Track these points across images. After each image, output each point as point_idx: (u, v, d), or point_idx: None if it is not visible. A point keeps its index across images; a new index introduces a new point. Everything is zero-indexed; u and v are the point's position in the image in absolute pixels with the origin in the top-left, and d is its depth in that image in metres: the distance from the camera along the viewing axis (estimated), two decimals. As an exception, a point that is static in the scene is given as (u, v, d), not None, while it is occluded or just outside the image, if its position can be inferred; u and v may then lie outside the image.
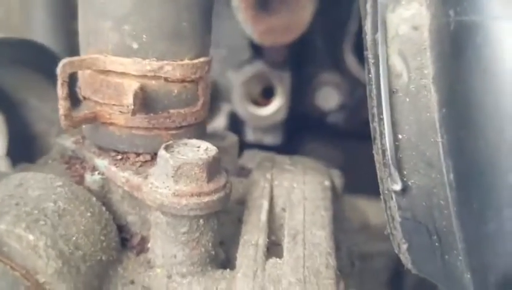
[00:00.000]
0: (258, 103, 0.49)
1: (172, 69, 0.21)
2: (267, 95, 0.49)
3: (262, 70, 0.46)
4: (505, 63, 0.17)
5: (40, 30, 0.47)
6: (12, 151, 0.32)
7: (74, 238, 0.18)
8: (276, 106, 0.47)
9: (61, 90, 0.21)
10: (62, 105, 0.21)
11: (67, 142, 0.24)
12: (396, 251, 0.20)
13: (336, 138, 0.51)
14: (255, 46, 0.44)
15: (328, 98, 0.49)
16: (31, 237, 0.17)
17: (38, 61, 0.30)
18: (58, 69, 0.22)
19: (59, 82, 0.22)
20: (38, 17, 0.47)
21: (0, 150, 0.29)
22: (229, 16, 0.43)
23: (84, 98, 0.22)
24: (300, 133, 0.53)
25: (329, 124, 0.50)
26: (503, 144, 0.17)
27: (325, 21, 0.45)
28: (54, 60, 0.30)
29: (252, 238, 0.21)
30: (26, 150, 0.32)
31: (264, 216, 0.22)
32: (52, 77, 0.32)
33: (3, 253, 0.16)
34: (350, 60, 0.41)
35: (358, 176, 0.35)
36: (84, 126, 0.22)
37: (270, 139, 0.51)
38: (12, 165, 0.30)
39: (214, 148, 0.21)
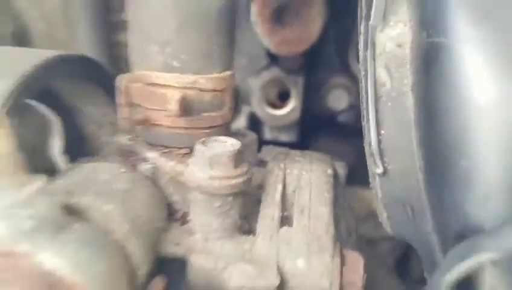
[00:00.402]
0: (274, 105, 0.54)
1: (205, 81, 0.27)
2: (283, 98, 0.54)
3: (278, 76, 0.51)
4: (462, 77, 0.22)
5: (83, 43, 0.53)
6: (68, 150, 0.38)
7: (138, 208, 0.24)
8: (290, 107, 0.52)
9: (121, 99, 0.27)
10: (123, 110, 0.27)
11: (124, 139, 0.30)
12: (380, 219, 0.25)
13: (346, 135, 0.55)
14: (271, 55, 0.49)
15: (339, 99, 0.53)
16: (109, 207, 0.23)
17: (92, 73, 0.35)
18: (117, 83, 0.28)
19: (118, 92, 0.28)
20: (82, 30, 0.53)
21: (59, 149, 0.34)
22: (249, 28, 0.49)
23: (137, 104, 0.28)
24: (313, 131, 0.58)
25: (340, 123, 0.55)
26: (459, 138, 0.22)
27: (334, 31, 0.50)
28: (104, 72, 0.36)
29: (269, 212, 0.27)
30: (77, 149, 0.38)
31: (278, 196, 0.28)
32: (102, 87, 0.38)
33: (88, 220, 0.22)
34: (355, 65, 0.47)
35: (366, 170, 0.40)
36: (137, 127, 0.28)
37: (285, 137, 0.56)
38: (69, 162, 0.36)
39: (239, 142, 0.27)
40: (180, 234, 0.26)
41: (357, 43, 0.49)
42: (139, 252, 0.24)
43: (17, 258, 0.19)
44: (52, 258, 0.20)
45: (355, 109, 0.54)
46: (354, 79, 0.53)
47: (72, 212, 0.22)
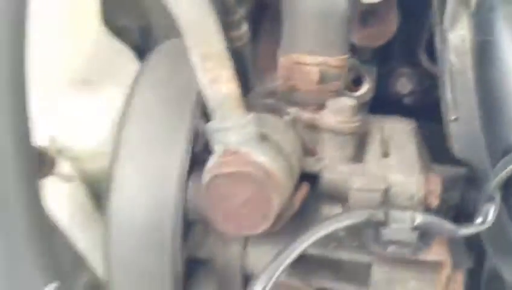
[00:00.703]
0: (349, 89, 0.67)
1: (333, 61, 0.40)
2: (357, 83, 0.68)
3: (355, 64, 0.65)
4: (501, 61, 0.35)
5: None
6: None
7: (286, 149, 0.38)
8: (364, 90, 0.66)
9: (279, 73, 0.41)
10: (279, 80, 0.41)
11: (270, 100, 0.43)
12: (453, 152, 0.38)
13: (408, 114, 0.68)
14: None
15: (404, 85, 0.67)
16: (278, 136, 0.37)
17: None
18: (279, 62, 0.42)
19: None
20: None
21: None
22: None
23: (287, 77, 0.41)
24: (379, 111, 0.72)
25: (404, 104, 0.68)
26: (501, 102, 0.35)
27: (401, 31, 0.63)
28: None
29: (373, 147, 0.40)
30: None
31: (378, 136, 0.41)
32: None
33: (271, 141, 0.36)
34: (424, 59, 0.60)
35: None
36: (283, 92, 0.42)
37: (360, 114, 0.69)
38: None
39: (355, 100, 0.40)
40: (313, 160, 0.40)
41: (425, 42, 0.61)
42: (296, 164, 0.37)
43: (240, 155, 0.33)
44: (260, 156, 0.34)
45: (417, 93, 0.67)
46: (417, 69, 0.66)
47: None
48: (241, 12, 0.63)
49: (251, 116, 0.34)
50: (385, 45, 0.61)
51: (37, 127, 0.28)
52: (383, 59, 0.65)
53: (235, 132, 0.33)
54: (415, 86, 0.67)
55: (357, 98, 0.69)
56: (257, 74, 0.61)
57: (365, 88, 0.66)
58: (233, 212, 0.35)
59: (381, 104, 0.68)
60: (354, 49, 0.62)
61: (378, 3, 0.51)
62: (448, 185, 0.39)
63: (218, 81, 0.32)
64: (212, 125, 0.34)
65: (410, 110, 0.70)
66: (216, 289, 0.43)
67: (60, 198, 0.49)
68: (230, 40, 0.65)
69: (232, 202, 0.34)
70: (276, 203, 0.34)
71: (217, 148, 0.34)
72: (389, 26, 0.55)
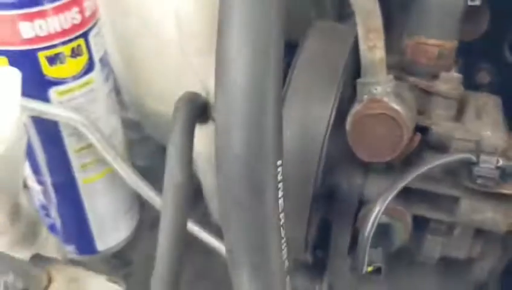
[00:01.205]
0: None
1: (449, 45, 0.53)
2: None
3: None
4: None
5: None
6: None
7: (411, 104, 0.51)
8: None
9: (407, 51, 0.54)
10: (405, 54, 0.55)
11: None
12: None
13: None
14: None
15: (484, 77, 0.79)
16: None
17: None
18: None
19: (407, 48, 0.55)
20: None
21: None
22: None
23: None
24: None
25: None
26: None
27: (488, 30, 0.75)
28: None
29: (469, 112, 0.54)
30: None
31: (473, 107, 0.54)
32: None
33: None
34: (508, 54, 0.72)
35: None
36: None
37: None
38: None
39: (460, 75, 0.53)
40: (424, 117, 0.54)
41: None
42: (415, 116, 0.51)
43: (383, 103, 0.47)
44: (396, 105, 0.48)
45: (493, 84, 0.79)
46: (495, 63, 0.78)
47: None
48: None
49: (391, 76, 0.48)
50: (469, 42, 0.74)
51: None
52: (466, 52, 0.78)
53: (381, 85, 0.47)
54: (493, 78, 0.79)
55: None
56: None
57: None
58: (371, 144, 0.49)
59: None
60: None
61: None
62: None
63: (375, 48, 0.46)
64: (363, 80, 0.48)
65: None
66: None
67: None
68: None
69: (371, 137, 0.48)
70: (404, 138, 0.48)
71: (364, 97, 0.48)
72: (481, 25, 0.68)
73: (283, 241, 0.32)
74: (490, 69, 0.79)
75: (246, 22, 0.29)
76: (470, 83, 0.82)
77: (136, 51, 0.67)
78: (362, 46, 0.46)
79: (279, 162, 0.30)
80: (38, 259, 0.50)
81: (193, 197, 0.50)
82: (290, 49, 0.56)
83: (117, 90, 0.73)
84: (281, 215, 0.31)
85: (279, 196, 0.31)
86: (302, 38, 0.57)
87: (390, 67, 0.56)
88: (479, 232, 0.55)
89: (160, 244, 0.47)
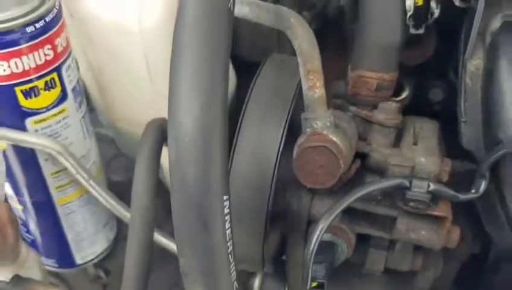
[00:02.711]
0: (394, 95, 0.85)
1: (387, 77, 0.58)
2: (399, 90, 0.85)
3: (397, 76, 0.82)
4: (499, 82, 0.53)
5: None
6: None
7: (349, 134, 0.57)
8: (404, 96, 0.84)
9: (349, 84, 0.60)
10: (348, 88, 0.60)
11: (339, 101, 0.62)
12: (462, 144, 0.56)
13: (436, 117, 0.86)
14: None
15: (436, 94, 0.84)
16: (345, 125, 0.56)
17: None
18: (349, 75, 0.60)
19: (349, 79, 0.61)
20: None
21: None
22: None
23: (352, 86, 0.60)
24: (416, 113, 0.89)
25: (435, 110, 0.85)
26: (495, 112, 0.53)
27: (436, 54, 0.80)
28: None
29: (407, 139, 0.59)
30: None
31: (411, 131, 0.59)
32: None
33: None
34: (452, 76, 0.78)
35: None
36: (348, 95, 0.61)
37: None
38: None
39: (398, 104, 0.58)
40: (364, 144, 0.59)
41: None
42: (354, 145, 0.57)
43: (322, 136, 0.53)
44: (334, 137, 0.53)
45: (445, 102, 0.85)
46: (447, 82, 0.83)
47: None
48: (312, 25, 0.82)
49: (330, 111, 0.54)
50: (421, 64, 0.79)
51: None
52: (419, 72, 0.84)
53: (320, 120, 0.53)
54: (445, 96, 0.85)
55: (399, 101, 0.88)
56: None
57: (405, 94, 0.84)
58: (312, 173, 0.54)
59: (416, 107, 0.87)
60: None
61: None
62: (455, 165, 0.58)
63: (315, 87, 0.51)
64: (306, 115, 0.53)
65: (437, 114, 0.89)
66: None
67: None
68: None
69: (312, 166, 0.54)
70: (341, 168, 0.53)
71: (307, 130, 0.54)
72: (427, 50, 0.73)
73: (232, 265, 0.36)
74: (443, 86, 0.84)
75: (192, 72, 0.34)
76: (424, 100, 0.88)
77: (108, 78, 0.72)
78: (304, 86, 0.52)
79: (225, 197, 0.34)
80: (18, 280, 0.55)
81: (166, 213, 0.55)
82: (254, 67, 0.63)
83: (92, 109, 0.78)
84: (229, 243, 0.35)
85: (227, 227, 0.35)
86: (258, 70, 0.62)
87: (340, 96, 0.62)
88: (419, 247, 0.60)
89: (127, 266, 0.53)
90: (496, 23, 0.54)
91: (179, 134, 0.35)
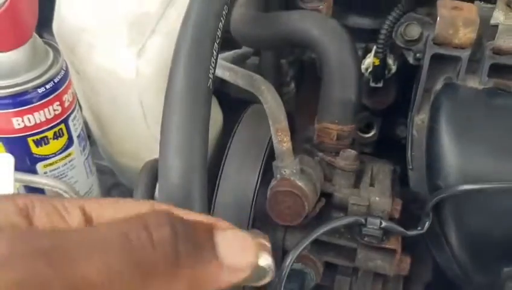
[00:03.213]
0: (363, 132, 0.95)
1: (346, 128, 0.69)
2: (368, 127, 0.95)
3: (366, 116, 0.93)
4: (438, 140, 0.64)
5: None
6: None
7: (315, 178, 0.67)
8: (373, 133, 0.94)
9: (316, 135, 0.70)
10: (316, 136, 0.70)
11: (308, 145, 0.72)
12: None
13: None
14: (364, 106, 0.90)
15: (403, 131, 0.94)
16: (310, 170, 0.66)
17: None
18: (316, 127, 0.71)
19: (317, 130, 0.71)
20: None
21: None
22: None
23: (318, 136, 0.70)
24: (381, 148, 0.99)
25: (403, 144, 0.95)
26: (434, 160, 0.64)
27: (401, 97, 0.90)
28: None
29: (366, 179, 0.69)
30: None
31: (369, 173, 0.69)
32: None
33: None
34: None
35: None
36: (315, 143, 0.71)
37: (367, 149, 0.98)
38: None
39: (355, 152, 0.68)
40: (329, 184, 0.69)
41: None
42: (319, 187, 0.66)
43: (290, 181, 0.62)
44: (300, 182, 0.63)
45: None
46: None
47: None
48: (290, 73, 0.92)
49: (297, 159, 0.64)
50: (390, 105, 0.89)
51: None
52: (388, 113, 0.94)
53: (288, 168, 0.62)
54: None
55: (367, 138, 0.98)
56: (299, 118, 0.90)
57: (373, 132, 0.94)
58: (282, 212, 0.63)
59: (388, 141, 0.97)
60: (365, 107, 0.91)
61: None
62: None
63: (283, 142, 0.61)
64: (276, 163, 0.63)
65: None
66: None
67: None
68: (283, 94, 0.94)
69: (282, 206, 0.63)
70: (305, 208, 0.63)
71: (278, 176, 0.64)
72: (388, 98, 0.83)
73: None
74: (406, 123, 0.94)
75: (178, 137, 0.44)
76: (394, 135, 0.98)
77: (107, 120, 0.81)
78: (274, 140, 0.62)
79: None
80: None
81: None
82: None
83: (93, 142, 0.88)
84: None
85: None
86: (239, 119, 0.72)
87: (306, 141, 0.72)
88: (379, 273, 0.70)
89: None
90: (439, 84, 0.64)
91: (166, 182, 0.44)
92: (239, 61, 0.87)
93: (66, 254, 0.21)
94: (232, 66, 0.67)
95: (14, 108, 0.64)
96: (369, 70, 0.73)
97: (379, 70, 0.73)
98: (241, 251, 0.26)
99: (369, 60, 0.72)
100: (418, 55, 0.61)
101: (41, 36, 0.84)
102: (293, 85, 0.82)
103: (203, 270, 0.24)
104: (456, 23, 0.56)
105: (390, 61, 0.73)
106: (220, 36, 0.52)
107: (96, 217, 0.25)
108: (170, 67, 0.49)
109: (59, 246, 0.21)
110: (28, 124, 0.66)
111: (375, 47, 0.66)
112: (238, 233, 0.27)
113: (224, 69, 0.63)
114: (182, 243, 0.24)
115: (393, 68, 0.74)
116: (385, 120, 0.93)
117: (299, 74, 0.92)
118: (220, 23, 0.53)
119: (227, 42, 0.74)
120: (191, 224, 0.25)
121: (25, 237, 0.21)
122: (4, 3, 0.58)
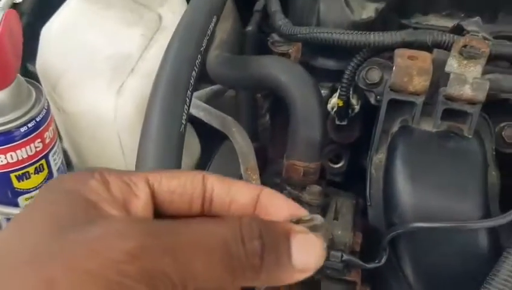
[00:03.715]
0: (331, 161, 1.01)
1: (313, 166, 0.74)
2: (337, 158, 1.01)
3: (335, 148, 0.98)
4: (395, 177, 0.69)
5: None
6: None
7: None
8: (341, 164, 0.99)
9: (288, 173, 0.75)
10: (284, 171, 0.75)
11: (276, 179, 0.77)
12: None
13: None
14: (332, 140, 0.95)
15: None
16: None
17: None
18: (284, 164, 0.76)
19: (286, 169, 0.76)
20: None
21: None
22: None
23: (286, 172, 0.75)
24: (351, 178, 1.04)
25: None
26: (389, 198, 0.69)
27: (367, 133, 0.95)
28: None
29: (328, 214, 0.74)
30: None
31: (334, 207, 0.74)
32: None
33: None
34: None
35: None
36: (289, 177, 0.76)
37: (337, 179, 1.03)
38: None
39: (320, 187, 0.73)
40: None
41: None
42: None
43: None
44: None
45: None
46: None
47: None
48: (265, 105, 0.97)
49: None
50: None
51: None
52: (357, 145, 0.99)
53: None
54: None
55: (337, 168, 1.03)
56: (272, 149, 0.95)
57: (342, 163, 1.00)
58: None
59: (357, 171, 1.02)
60: (333, 141, 0.97)
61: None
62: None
63: (251, 180, 0.66)
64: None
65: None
66: None
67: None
68: (258, 126, 0.99)
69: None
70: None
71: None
72: (354, 133, 0.89)
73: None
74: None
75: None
76: (361, 165, 1.04)
77: (86, 152, 0.86)
78: (243, 178, 0.66)
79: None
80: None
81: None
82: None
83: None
84: None
85: None
86: (213, 154, 0.77)
87: (276, 175, 0.77)
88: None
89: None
90: (395, 126, 0.69)
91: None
92: (216, 96, 0.92)
93: (185, 253, 0.26)
94: (206, 106, 0.71)
95: (-2, 146, 0.68)
96: (334, 109, 0.78)
97: (343, 111, 0.78)
98: (312, 255, 0.31)
99: (335, 100, 0.77)
100: (378, 97, 0.66)
101: (25, 67, 0.88)
102: (267, 117, 0.87)
103: (278, 273, 0.29)
104: (410, 72, 0.61)
105: (354, 101, 0.79)
106: (193, 84, 0.57)
107: (157, 187, 0.30)
108: (145, 113, 0.54)
109: (179, 243, 0.26)
110: (10, 161, 0.69)
111: (339, 89, 0.71)
112: (311, 238, 0.32)
113: (199, 109, 0.67)
114: (268, 254, 0.29)
115: (357, 108, 0.79)
116: (354, 152, 0.98)
117: (274, 107, 0.97)
118: (193, 72, 0.58)
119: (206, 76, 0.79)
120: (275, 232, 0.30)
121: (153, 232, 0.26)
122: (-11, 47, 0.62)
